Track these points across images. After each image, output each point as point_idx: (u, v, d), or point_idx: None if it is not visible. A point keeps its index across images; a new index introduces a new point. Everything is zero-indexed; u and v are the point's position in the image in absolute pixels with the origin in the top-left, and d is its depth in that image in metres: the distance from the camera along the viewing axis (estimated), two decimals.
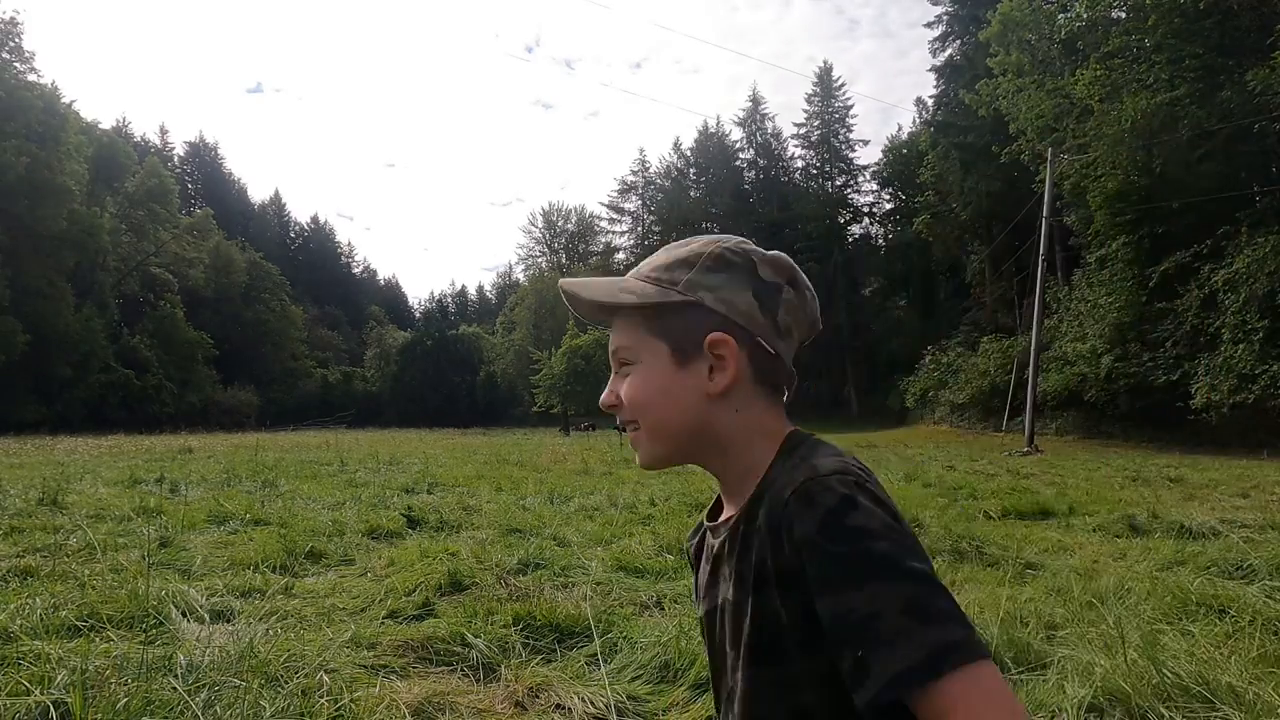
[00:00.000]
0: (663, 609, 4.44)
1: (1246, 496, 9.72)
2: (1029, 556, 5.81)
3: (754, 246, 0.97)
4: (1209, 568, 5.16)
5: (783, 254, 0.99)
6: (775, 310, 0.96)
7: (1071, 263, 34.29)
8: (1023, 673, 3.25)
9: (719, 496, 1.05)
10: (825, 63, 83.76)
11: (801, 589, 0.79)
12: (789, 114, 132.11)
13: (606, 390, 0.99)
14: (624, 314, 0.97)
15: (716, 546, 0.96)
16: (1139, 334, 25.30)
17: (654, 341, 0.95)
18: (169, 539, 6.15)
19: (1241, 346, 20.81)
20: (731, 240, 0.98)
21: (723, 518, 0.98)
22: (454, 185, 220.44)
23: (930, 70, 52.02)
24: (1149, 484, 11.37)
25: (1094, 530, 7.08)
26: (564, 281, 0.99)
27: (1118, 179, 25.40)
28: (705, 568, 1.01)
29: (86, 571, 4.88)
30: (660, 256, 0.98)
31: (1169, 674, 2.92)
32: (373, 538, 6.58)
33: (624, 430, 0.99)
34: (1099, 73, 25.43)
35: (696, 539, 1.09)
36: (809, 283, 1.00)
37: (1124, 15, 26.63)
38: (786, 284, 0.97)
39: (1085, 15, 27.41)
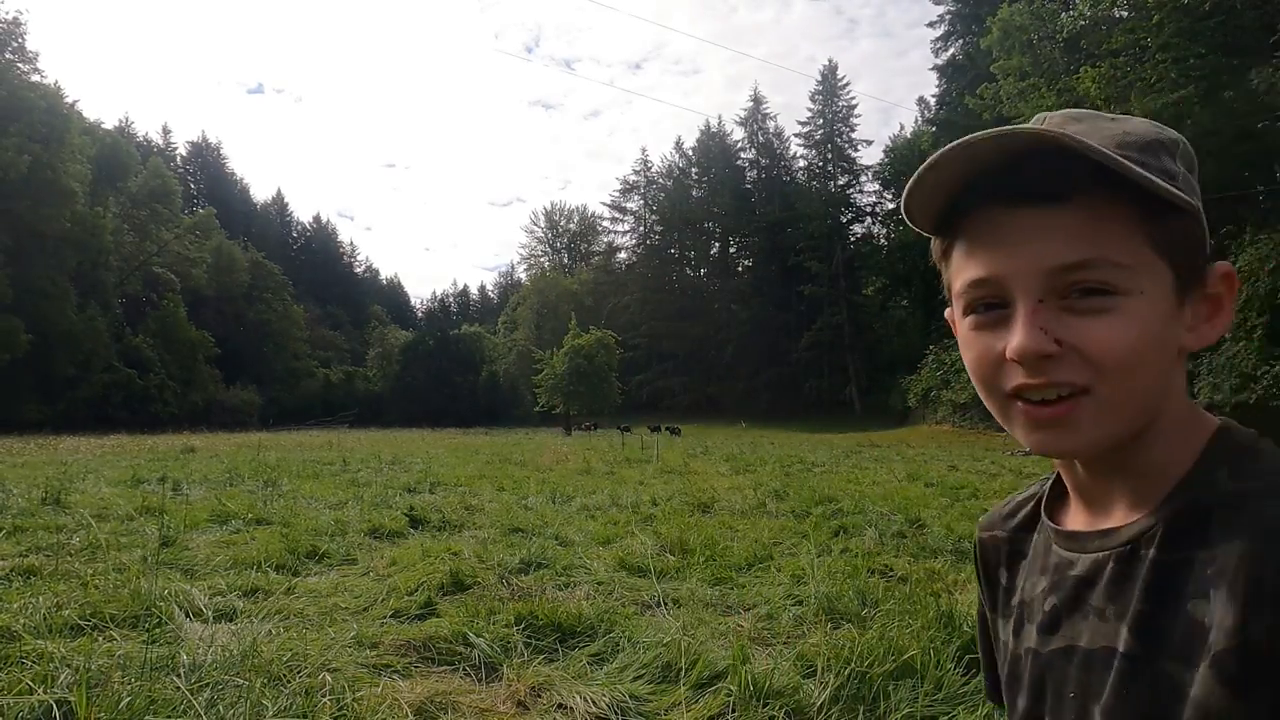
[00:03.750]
0: (665, 609, 4.44)
1: None
2: None
3: None
4: None
5: None
6: None
7: None
8: None
9: (1049, 490, 0.81)
10: (830, 61, 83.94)
11: None
12: (789, 114, 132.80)
13: (1032, 332, 0.63)
14: (1116, 214, 0.63)
15: (1082, 567, 0.71)
16: None
17: (1159, 265, 0.65)
18: (171, 538, 6.15)
19: (1243, 345, 20.79)
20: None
21: (1097, 525, 0.72)
22: (454, 186, 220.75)
23: (932, 69, 52.06)
24: None
25: None
26: (1056, 130, 0.61)
27: None
28: (1038, 583, 0.77)
29: (89, 571, 4.89)
30: (1117, 128, 0.66)
31: None
32: (375, 537, 6.59)
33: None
34: (1105, 70, 25.39)
35: (1008, 532, 0.85)
36: None
37: (1127, 14, 26.59)
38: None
39: (1088, 14, 27.37)
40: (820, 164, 70.36)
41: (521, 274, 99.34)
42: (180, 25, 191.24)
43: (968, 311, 0.69)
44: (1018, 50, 30.93)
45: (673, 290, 78.16)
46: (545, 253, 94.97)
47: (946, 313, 0.77)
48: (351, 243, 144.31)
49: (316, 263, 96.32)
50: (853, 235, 68.78)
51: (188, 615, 3.97)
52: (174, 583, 4.52)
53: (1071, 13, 29.18)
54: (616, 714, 2.96)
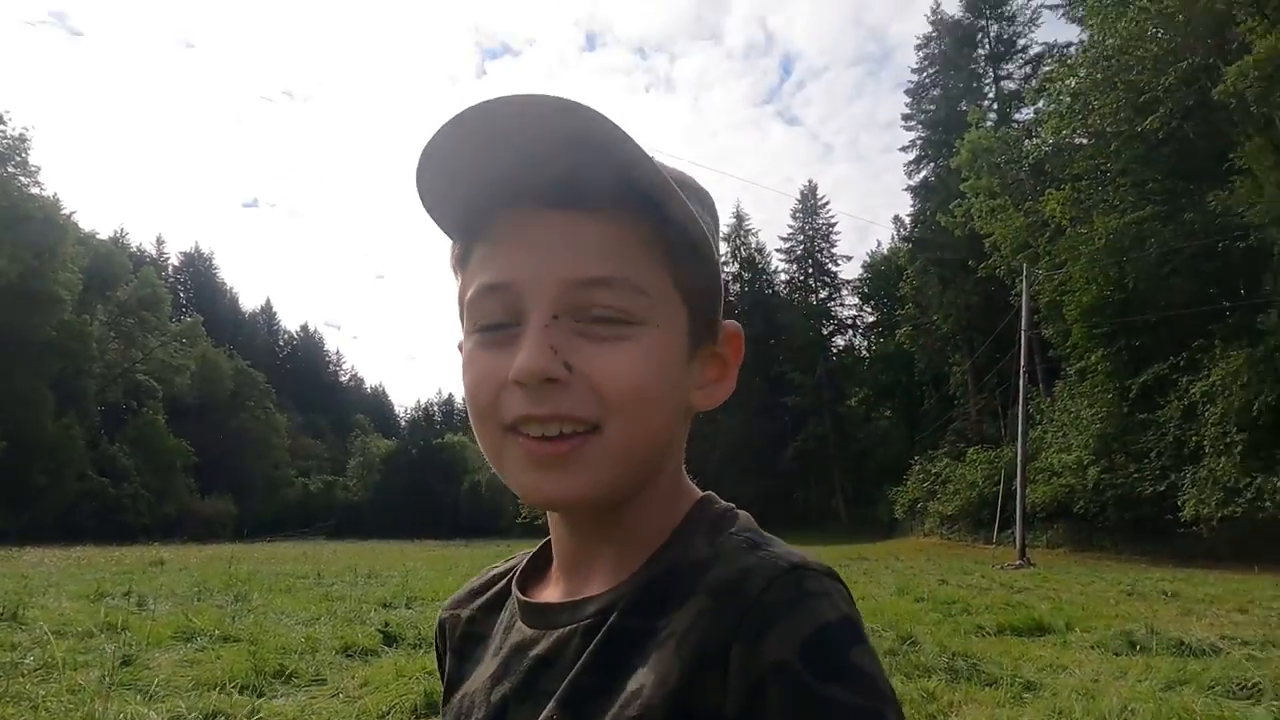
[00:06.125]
0: None
1: (1244, 612, 9.54)
2: (1028, 675, 5.63)
3: None
4: (1213, 687, 5.02)
5: None
6: None
7: (1053, 373, 34.81)
8: None
9: (528, 560, 0.74)
10: (810, 181, 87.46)
11: None
12: (770, 229, 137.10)
13: (540, 350, 0.56)
14: (644, 239, 0.60)
15: (544, 645, 0.62)
16: (1123, 445, 25.41)
17: (677, 303, 0.62)
18: (132, 657, 5.88)
19: (1224, 459, 20.91)
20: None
21: (573, 596, 0.64)
22: (440, 294, 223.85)
23: (905, 190, 54.30)
24: (1145, 598, 11.17)
25: (1092, 647, 6.90)
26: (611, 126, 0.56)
27: (1092, 293, 26.17)
28: (492, 663, 0.67)
29: (42, 692, 4.65)
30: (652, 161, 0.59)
31: None
32: (347, 655, 6.34)
33: (547, 438, 0.57)
34: (1069, 193, 26.63)
35: (472, 610, 0.74)
36: None
37: (1086, 141, 28.12)
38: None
39: (1051, 141, 28.95)
40: (801, 278, 72.24)
41: None
42: (179, 142, 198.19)
43: (475, 328, 0.61)
44: (986, 171, 32.47)
45: None
46: None
47: (460, 342, 0.68)
48: (338, 351, 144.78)
49: (302, 371, 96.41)
50: (835, 347, 69.94)
51: None
52: (131, 705, 4.29)
53: (1035, 140, 30.85)
54: None
